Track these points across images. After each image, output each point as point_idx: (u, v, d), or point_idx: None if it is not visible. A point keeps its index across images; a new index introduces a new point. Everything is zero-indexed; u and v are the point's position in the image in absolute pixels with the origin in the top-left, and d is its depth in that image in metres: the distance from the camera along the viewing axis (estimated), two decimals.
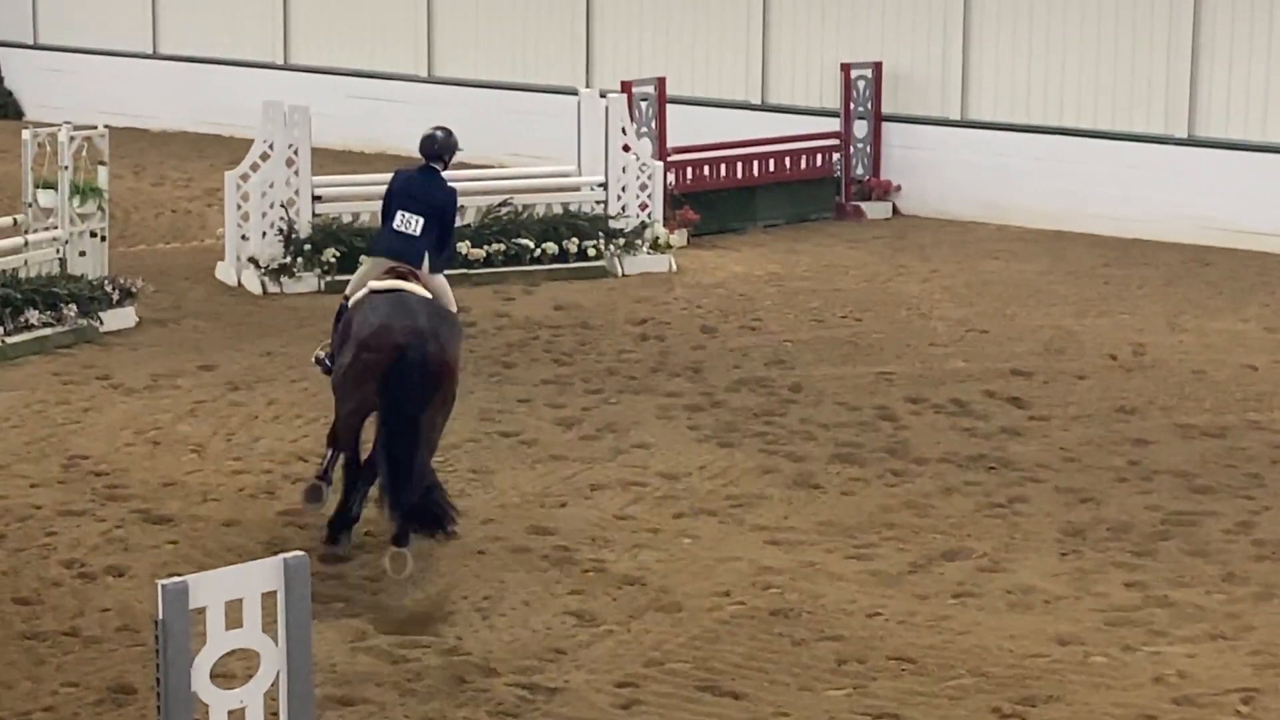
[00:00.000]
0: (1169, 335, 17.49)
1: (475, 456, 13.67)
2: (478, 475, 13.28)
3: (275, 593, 6.86)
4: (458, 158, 12.57)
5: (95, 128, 17.56)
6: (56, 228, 17.18)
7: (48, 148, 17.22)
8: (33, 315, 16.44)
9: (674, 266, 20.04)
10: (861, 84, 23.18)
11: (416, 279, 11.81)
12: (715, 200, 21.95)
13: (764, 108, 24.26)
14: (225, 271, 19.26)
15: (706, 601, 11.04)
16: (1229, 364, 16.48)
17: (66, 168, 17.14)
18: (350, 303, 11.93)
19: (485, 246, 19.37)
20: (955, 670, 10.12)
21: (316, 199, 19.17)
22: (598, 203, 20.11)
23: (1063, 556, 11.88)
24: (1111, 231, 21.90)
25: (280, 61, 28.07)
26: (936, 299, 18.84)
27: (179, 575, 6.86)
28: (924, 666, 10.16)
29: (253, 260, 18.92)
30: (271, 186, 18.96)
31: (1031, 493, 13.08)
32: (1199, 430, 14.56)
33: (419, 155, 12.26)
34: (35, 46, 30.49)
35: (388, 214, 12.04)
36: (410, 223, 11.89)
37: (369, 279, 11.89)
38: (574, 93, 21.70)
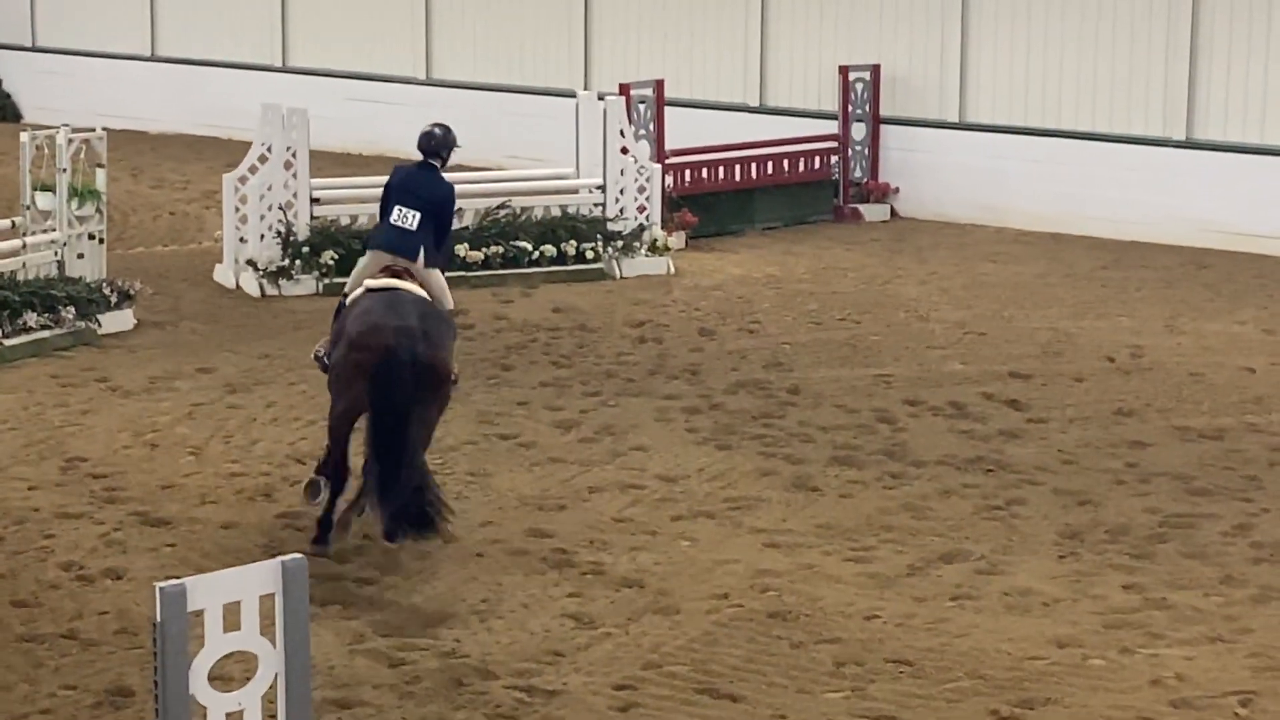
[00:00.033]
0: (1167, 337, 17.49)
1: (473, 459, 13.67)
2: (476, 478, 13.28)
3: (273, 595, 6.86)
4: (455, 159, 12.58)
5: (93, 130, 17.55)
6: (54, 230, 17.16)
7: (46, 150, 17.18)
8: (31, 318, 16.44)
9: (672, 269, 20.04)
10: (860, 86, 23.18)
11: (412, 277, 11.82)
12: (713, 203, 21.95)
13: (762, 110, 24.26)
14: (223, 274, 19.25)
15: (705, 604, 11.04)
16: (1227, 366, 16.48)
17: (65, 170, 17.12)
18: (348, 300, 11.95)
19: (483, 249, 19.37)
20: (953, 673, 10.11)
21: (315, 201, 19.17)
22: (596, 205, 20.10)
23: (1060, 559, 11.87)
24: (1109, 234, 21.90)
25: (278, 64, 28.06)
26: (934, 301, 18.84)
27: (177, 578, 6.86)
28: (922, 669, 10.16)
29: (251, 263, 18.91)
30: (270, 189, 18.95)
31: (1029, 495, 13.07)
32: (1197, 432, 14.56)
33: (418, 153, 12.28)
34: (33, 49, 30.46)
35: (386, 209, 12.09)
36: (408, 217, 11.92)
37: (365, 277, 11.92)
38: (572, 95, 21.68)
